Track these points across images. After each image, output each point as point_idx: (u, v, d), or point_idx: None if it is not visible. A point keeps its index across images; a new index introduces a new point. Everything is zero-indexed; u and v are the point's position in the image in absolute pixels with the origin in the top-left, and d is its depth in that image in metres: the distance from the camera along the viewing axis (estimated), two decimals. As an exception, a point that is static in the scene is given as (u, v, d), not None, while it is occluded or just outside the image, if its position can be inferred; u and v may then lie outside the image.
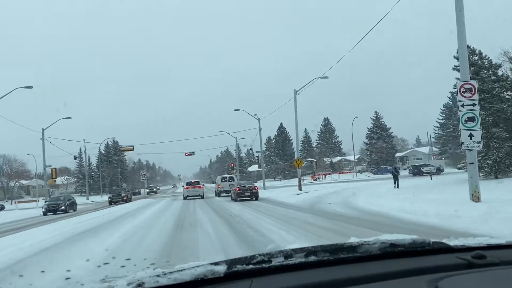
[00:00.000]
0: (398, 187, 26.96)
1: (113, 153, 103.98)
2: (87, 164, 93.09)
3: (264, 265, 1.54)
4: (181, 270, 1.46)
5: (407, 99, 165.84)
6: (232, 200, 29.59)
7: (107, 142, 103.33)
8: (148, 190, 56.17)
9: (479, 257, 1.58)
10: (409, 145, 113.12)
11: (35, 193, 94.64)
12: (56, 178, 45.33)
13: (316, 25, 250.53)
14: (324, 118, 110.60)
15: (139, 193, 55.88)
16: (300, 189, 30.43)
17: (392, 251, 1.68)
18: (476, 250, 1.66)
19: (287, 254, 1.60)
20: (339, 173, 62.97)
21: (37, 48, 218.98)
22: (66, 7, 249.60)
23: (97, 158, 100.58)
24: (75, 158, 53.59)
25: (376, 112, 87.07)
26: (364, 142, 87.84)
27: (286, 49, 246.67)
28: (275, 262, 1.56)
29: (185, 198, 36.04)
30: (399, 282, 1.44)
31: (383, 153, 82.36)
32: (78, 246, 10.60)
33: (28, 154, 67.83)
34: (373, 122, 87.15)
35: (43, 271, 6.83)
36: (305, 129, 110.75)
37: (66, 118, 40.72)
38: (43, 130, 39.86)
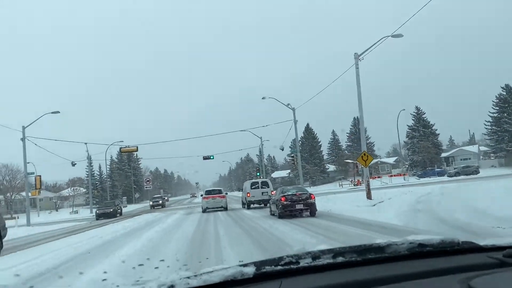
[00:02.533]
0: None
1: (126, 161, 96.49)
2: (91, 171, 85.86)
3: (292, 266, 1.53)
4: (211, 272, 1.46)
5: (451, 92, 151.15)
6: (272, 215, 20.70)
7: (120, 149, 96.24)
8: (151, 203, 45.56)
9: (511, 256, 1.55)
10: (457, 143, 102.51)
11: (41, 206, 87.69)
12: (40, 188, 36.92)
13: (342, 24, 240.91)
14: (354, 117, 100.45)
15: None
16: (369, 196, 21.05)
17: (420, 251, 1.65)
18: (507, 249, 1.62)
19: (315, 255, 1.58)
20: (391, 175, 53.10)
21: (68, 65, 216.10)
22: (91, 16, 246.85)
23: (108, 166, 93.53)
24: (73, 165, 45.32)
25: (417, 108, 77.04)
26: (405, 142, 77.63)
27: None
28: (303, 263, 1.54)
29: (204, 210, 28.82)
30: (429, 282, 1.41)
31: (429, 153, 72.11)
32: None
33: (28, 163, 59.88)
34: (413, 118, 77.09)
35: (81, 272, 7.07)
36: (333, 130, 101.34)
37: (53, 112, 32.62)
38: (23, 128, 31.72)
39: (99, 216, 34.98)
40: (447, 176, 54.13)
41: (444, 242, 1.68)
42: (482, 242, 1.75)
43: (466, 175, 51.67)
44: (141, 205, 77.65)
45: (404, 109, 62.53)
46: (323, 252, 1.60)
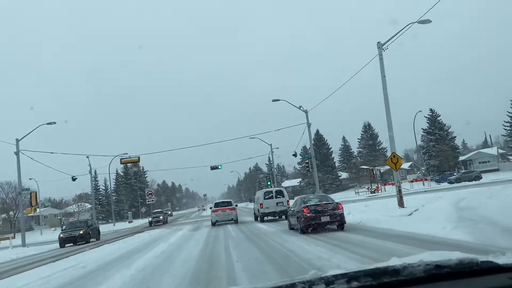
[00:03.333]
0: None
1: (132, 175, 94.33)
2: (96, 186, 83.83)
3: None
4: None
5: (461, 95, 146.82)
6: (291, 229, 18.12)
7: (126, 164, 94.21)
8: (150, 219, 38.84)
9: None
10: (470, 146, 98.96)
11: (46, 223, 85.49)
12: (36, 205, 34.48)
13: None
14: (365, 123, 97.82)
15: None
16: (401, 204, 18.25)
17: (438, 273, 1.59)
18: None
19: (328, 281, 1.52)
20: (411, 181, 50.03)
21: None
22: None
23: (113, 179, 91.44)
24: (73, 180, 42.94)
25: (431, 110, 73.96)
26: (419, 146, 74.43)
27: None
28: None
29: (213, 224, 27.78)
30: None
31: (446, 157, 68.91)
32: None
33: (30, 179, 57.87)
34: (428, 121, 74.02)
35: None
36: (343, 137, 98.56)
37: (49, 123, 30.33)
38: (17, 140, 29.41)
39: (63, 242, 26.19)
40: (448, 183, 50.57)
41: (462, 262, 1.63)
42: (500, 260, 1.68)
43: (468, 181, 48.27)
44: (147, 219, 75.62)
45: (420, 111, 59.64)
46: (336, 277, 1.55)
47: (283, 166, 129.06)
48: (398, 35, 18.80)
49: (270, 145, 50.57)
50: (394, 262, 1.66)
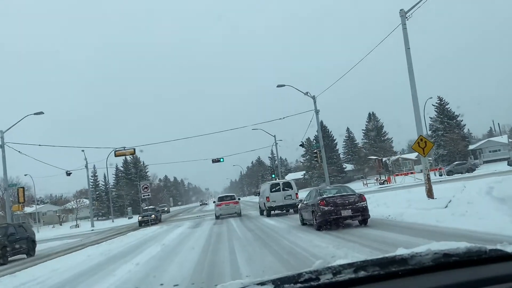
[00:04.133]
0: None
1: (132, 169, 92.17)
2: (95, 181, 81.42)
3: (312, 283, 1.45)
4: None
5: (464, 82, 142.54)
6: (304, 224, 16.00)
7: (125, 158, 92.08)
8: (140, 218, 32.10)
9: None
10: (475, 136, 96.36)
11: (45, 220, 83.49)
12: (23, 202, 32.28)
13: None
14: (369, 113, 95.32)
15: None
16: (431, 195, 15.86)
17: (446, 262, 1.57)
18: None
19: (336, 271, 1.51)
20: (432, 169, 47.32)
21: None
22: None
23: (113, 174, 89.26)
24: (68, 174, 40.70)
25: (439, 98, 71.31)
26: (428, 135, 71.90)
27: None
28: (324, 279, 1.47)
29: (217, 217, 28.39)
30: None
31: (455, 146, 66.49)
32: None
33: (25, 175, 55.78)
34: (436, 110, 71.47)
35: None
36: (348, 128, 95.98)
37: (36, 113, 28.04)
38: (2, 132, 27.08)
39: None
40: (439, 175, 47.72)
41: (471, 251, 1.60)
42: (509, 249, 1.65)
43: (460, 173, 45.71)
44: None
45: (431, 97, 57.15)
46: (343, 266, 1.53)
47: (285, 159, 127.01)
48: (423, 1, 16.34)
49: (274, 136, 48.16)
50: (402, 251, 1.65)
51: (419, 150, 15.81)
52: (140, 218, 33.45)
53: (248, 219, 24.53)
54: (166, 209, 56.12)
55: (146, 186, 24.94)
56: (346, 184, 24.11)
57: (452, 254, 1.58)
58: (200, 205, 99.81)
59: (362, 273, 1.49)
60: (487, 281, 1.41)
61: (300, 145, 34.66)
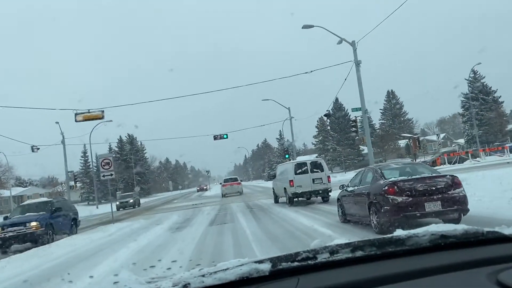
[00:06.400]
0: None
1: (128, 150, 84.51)
2: (84, 161, 73.77)
3: (309, 262, 1.47)
4: (226, 270, 1.41)
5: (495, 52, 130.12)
6: (346, 221, 10.71)
7: (120, 136, 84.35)
8: (118, 203, 30.96)
9: None
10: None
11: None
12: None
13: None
14: (388, 91, 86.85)
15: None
16: None
17: (443, 243, 1.58)
18: None
19: (333, 250, 1.52)
20: (483, 150, 39.42)
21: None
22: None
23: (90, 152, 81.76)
24: (33, 151, 32.92)
25: (473, 71, 62.51)
26: (460, 114, 63.86)
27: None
28: (321, 258, 1.49)
29: (223, 196, 35.09)
30: (455, 276, 1.33)
31: (492, 126, 58.30)
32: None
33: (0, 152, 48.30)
34: (470, 84, 62.79)
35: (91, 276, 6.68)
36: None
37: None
38: None
39: None
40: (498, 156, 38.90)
41: (468, 232, 1.60)
42: (506, 231, 1.65)
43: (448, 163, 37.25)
44: (148, 199, 65.84)
45: (480, 63, 48.97)
46: (341, 246, 1.54)
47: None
48: None
49: (288, 108, 40.08)
50: (400, 232, 1.64)
51: None
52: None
53: (261, 210, 17.69)
54: (131, 200, 37.42)
55: (107, 161, 16.47)
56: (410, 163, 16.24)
57: (449, 235, 1.58)
58: (198, 190, 78.68)
59: (359, 253, 1.50)
60: (483, 261, 1.39)
61: (326, 115, 26.70)
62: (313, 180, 18.32)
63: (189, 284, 1.34)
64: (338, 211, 11.36)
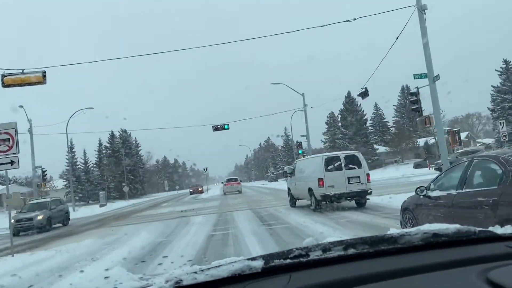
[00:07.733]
0: None
1: (120, 146, 77.87)
2: (71, 156, 67.25)
3: (302, 259, 1.48)
4: (218, 266, 1.42)
5: None
6: None
7: (112, 131, 77.70)
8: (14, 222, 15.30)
9: None
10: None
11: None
12: None
13: None
14: (403, 86, 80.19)
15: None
16: None
17: (435, 242, 1.60)
18: None
19: (325, 248, 1.53)
20: None
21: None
22: None
23: (96, 151, 75.11)
24: None
25: (505, 61, 55.98)
26: (488, 109, 57.36)
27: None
28: (313, 255, 1.50)
29: (224, 193, 39.78)
30: (445, 274, 1.34)
31: (528, 122, 51.52)
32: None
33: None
34: (501, 75, 56.39)
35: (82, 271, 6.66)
36: (375, 103, 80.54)
37: None
38: None
39: None
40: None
41: (460, 231, 1.62)
42: (499, 231, 1.68)
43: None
44: (139, 200, 59.44)
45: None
46: (333, 244, 1.55)
47: (297, 141, 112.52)
48: None
49: (302, 94, 33.58)
50: (393, 231, 1.66)
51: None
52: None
53: (275, 219, 13.23)
54: (39, 217, 20.21)
55: (6, 136, 9.40)
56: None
57: (442, 234, 1.59)
58: (191, 193, 56.93)
59: (351, 251, 1.51)
60: (474, 260, 1.40)
61: (361, 95, 20.07)
62: (349, 179, 14.75)
63: (181, 280, 1.34)
64: (405, 227, 6.79)
